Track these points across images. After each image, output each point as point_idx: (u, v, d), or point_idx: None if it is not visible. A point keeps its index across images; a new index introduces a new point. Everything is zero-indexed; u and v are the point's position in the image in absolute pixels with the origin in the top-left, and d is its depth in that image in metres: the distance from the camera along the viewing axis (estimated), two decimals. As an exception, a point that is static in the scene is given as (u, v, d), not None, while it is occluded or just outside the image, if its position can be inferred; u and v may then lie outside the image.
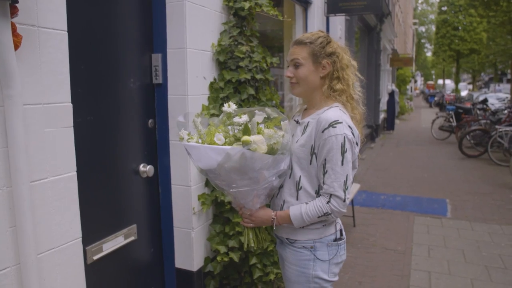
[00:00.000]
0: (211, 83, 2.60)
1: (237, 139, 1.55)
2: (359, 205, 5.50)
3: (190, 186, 2.45)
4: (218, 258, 2.52)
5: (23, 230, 1.34)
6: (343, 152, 1.49)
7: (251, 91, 2.62)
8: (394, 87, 15.79)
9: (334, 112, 1.54)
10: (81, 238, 1.63)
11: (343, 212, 1.54)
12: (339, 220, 1.69)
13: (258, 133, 1.60)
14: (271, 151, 1.52)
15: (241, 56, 2.60)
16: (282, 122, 1.62)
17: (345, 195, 1.51)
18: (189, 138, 1.64)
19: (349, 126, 1.52)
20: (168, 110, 2.44)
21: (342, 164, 1.50)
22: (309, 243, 1.61)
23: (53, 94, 1.47)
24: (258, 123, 1.63)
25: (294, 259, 1.66)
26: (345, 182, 1.51)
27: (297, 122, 1.71)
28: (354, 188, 4.67)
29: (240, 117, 1.57)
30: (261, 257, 2.63)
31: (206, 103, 2.57)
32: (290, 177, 1.66)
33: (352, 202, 4.71)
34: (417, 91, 45.99)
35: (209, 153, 1.52)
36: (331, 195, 1.52)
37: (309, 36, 1.64)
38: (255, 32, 2.77)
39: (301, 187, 1.61)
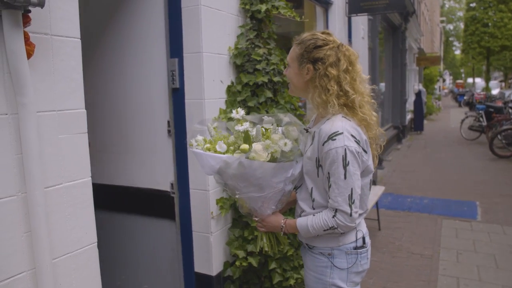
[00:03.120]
0: (229, 87, 2.59)
1: (238, 147, 1.54)
2: (384, 208, 5.37)
3: (208, 190, 2.45)
4: (237, 263, 2.49)
5: (38, 235, 1.36)
6: (345, 165, 1.42)
7: (269, 94, 2.59)
8: (421, 86, 15.43)
9: (334, 122, 1.46)
10: (96, 243, 1.64)
11: (351, 226, 1.48)
12: (362, 227, 1.61)
13: (267, 140, 1.57)
14: (273, 159, 1.49)
15: (258, 58, 2.58)
16: (289, 128, 1.59)
17: (351, 210, 1.45)
18: (197, 145, 1.64)
19: (352, 135, 1.44)
20: (186, 115, 2.44)
21: (345, 177, 1.43)
22: (326, 250, 1.56)
23: (67, 101, 1.48)
24: (266, 129, 1.60)
25: (312, 265, 1.62)
26: (350, 196, 1.44)
27: (307, 130, 1.66)
28: (378, 191, 4.56)
29: (241, 125, 1.55)
30: (281, 261, 2.59)
31: (224, 107, 2.56)
32: (304, 188, 1.62)
33: (376, 204, 4.59)
34: (446, 90, 44.79)
35: (209, 161, 1.52)
36: (336, 209, 1.46)
37: (303, 37, 1.57)
38: (272, 34, 2.75)
39: (314, 199, 1.58)
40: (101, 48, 2.70)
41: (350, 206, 1.44)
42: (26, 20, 1.29)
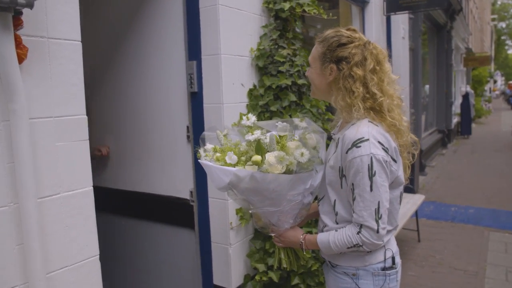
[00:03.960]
0: (250, 90, 2.46)
1: (248, 158, 1.39)
2: (426, 218, 5.04)
3: (227, 199, 2.32)
4: (257, 277, 2.35)
5: (30, 248, 1.29)
6: (371, 176, 1.27)
7: (293, 98, 2.44)
8: (468, 88, 14.60)
9: (360, 127, 1.31)
10: (98, 256, 1.55)
11: (377, 244, 1.32)
12: (391, 246, 1.45)
13: (282, 149, 1.42)
14: (289, 171, 1.34)
15: (282, 60, 2.43)
16: (307, 135, 1.43)
17: (378, 225, 1.29)
18: (205, 155, 1.51)
19: (379, 142, 1.29)
20: (204, 120, 2.34)
21: (371, 189, 1.28)
22: (351, 269, 1.41)
23: (65, 107, 1.41)
24: (281, 136, 1.44)
25: (334, 285, 1.47)
26: (377, 210, 1.29)
27: (331, 137, 1.51)
28: (418, 200, 4.26)
29: (252, 134, 1.40)
30: (305, 277, 2.42)
31: (245, 111, 2.44)
32: (326, 200, 1.47)
33: (416, 214, 4.29)
34: (497, 92, 42.39)
35: (218, 174, 1.39)
36: (361, 225, 1.31)
37: (326, 34, 1.43)
38: (298, 34, 2.59)
39: (337, 212, 1.42)
40: (124, 50, 2.66)
41: (377, 221, 1.29)
42: (18, 23, 1.23)
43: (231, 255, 2.35)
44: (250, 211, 1.53)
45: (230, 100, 2.30)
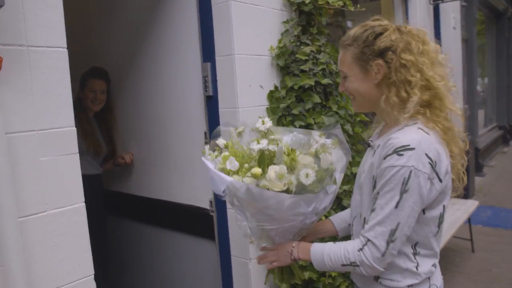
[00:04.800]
0: (271, 92, 2.28)
1: (247, 168, 1.23)
2: (481, 225, 4.59)
3: (246, 210, 2.17)
4: (279, 295, 2.17)
5: (11, 271, 1.20)
6: (402, 192, 1.09)
7: (317, 99, 2.23)
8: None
9: (407, 133, 1.14)
10: (92, 276, 1.45)
11: (377, 269, 1.13)
12: (436, 280, 1.24)
13: (291, 163, 1.23)
14: (289, 190, 1.18)
15: (304, 58, 2.23)
16: (321, 155, 1.24)
17: (386, 248, 1.10)
18: (209, 154, 1.37)
19: (426, 155, 1.10)
20: (220, 125, 2.19)
21: (397, 206, 1.09)
22: None
23: (50, 119, 1.31)
24: (293, 150, 1.27)
25: None
26: (393, 232, 1.10)
27: (369, 145, 1.31)
28: (470, 207, 3.86)
29: (258, 143, 1.25)
30: (333, 296, 2.21)
31: (265, 115, 2.26)
32: (359, 219, 1.28)
33: (469, 220, 3.89)
34: None
35: (215, 180, 1.28)
36: (368, 240, 1.13)
37: (352, 33, 1.26)
38: (323, 29, 2.37)
39: None
40: (144, 52, 2.58)
41: (388, 243, 1.10)
42: (-12, 30, 1.15)
43: (251, 270, 2.19)
44: (242, 223, 1.37)
45: (247, 104, 2.14)
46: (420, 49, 1.19)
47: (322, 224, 1.53)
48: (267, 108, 2.26)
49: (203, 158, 1.37)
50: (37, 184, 1.30)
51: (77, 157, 1.39)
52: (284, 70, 2.32)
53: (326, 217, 1.61)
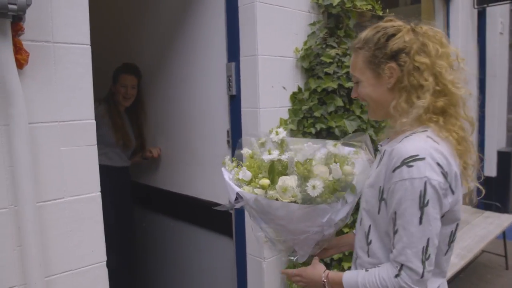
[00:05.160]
0: (294, 94, 2.29)
1: (258, 178, 1.25)
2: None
3: (262, 210, 2.19)
4: (292, 296, 2.18)
5: (28, 251, 1.29)
6: (422, 206, 1.02)
7: (339, 103, 2.21)
8: None
9: (415, 142, 1.07)
10: (105, 262, 1.53)
11: None
12: None
13: (305, 173, 1.22)
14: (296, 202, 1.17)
15: (329, 61, 2.22)
16: (332, 165, 1.22)
17: (424, 268, 1.03)
18: (228, 165, 1.41)
19: (438, 164, 1.03)
20: (242, 125, 2.23)
21: (421, 222, 1.02)
22: None
23: (71, 111, 1.40)
24: (309, 159, 1.26)
25: None
26: (425, 249, 1.02)
27: (377, 149, 1.27)
28: (506, 221, 3.66)
29: (270, 153, 1.25)
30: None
31: (287, 117, 2.27)
32: (360, 225, 1.24)
33: (504, 235, 3.70)
34: None
35: (229, 191, 1.28)
36: (402, 265, 1.04)
37: (363, 36, 1.20)
38: (351, 32, 2.35)
39: (370, 241, 1.18)
40: (173, 51, 2.66)
41: (423, 263, 1.03)
42: (17, 28, 1.23)
43: (265, 269, 2.20)
44: (258, 233, 1.39)
45: (268, 104, 2.16)
46: (439, 51, 1.12)
47: (345, 238, 1.49)
48: (289, 109, 2.27)
49: (222, 169, 1.38)
50: (56, 172, 1.39)
51: (95, 148, 1.47)
52: (308, 72, 2.32)
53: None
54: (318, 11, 2.36)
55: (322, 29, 2.28)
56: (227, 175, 1.35)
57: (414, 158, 1.02)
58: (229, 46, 2.23)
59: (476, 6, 4.37)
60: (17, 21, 1.22)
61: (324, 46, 2.27)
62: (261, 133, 1.70)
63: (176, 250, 2.85)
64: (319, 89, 2.23)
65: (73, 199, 1.43)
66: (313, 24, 2.31)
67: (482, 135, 4.84)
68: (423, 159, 1.02)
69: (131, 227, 3.03)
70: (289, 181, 1.19)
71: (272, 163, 1.24)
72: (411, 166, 1.02)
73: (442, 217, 1.07)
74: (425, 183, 1.01)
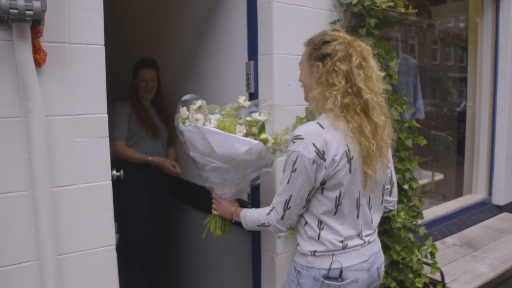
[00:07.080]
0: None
1: (251, 134, 1.65)
2: None
3: (276, 206, 2.23)
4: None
5: (41, 230, 1.45)
6: (292, 171, 1.41)
7: (357, 101, 2.19)
8: None
9: (305, 126, 1.42)
10: (114, 246, 1.66)
11: (280, 229, 1.50)
12: (342, 260, 1.46)
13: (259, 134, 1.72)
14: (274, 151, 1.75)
15: (347, 60, 2.21)
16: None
17: (283, 214, 1.46)
18: (205, 121, 1.72)
19: (313, 144, 1.36)
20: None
21: (288, 182, 1.42)
22: (298, 266, 1.53)
23: (85, 106, 1.53)
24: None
25: (289, 271, 1.62)
26: (287, 201, 1.44)
27: None
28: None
29: (260, 115, 1.70)
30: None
31: (304, 115, 2.29)
32: None
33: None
34: None
35: (233, 143, 1.59)
36: (273, 207, 1.50)
37: (312, 36, 1.54)
38: (373, 30, 2.32)
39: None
40: (200, 51, 2.78)
41: (284, 210, 1.46)
42: (36, 31, 1.38)
43: (277, 265, 2.25)
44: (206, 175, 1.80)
45: (285, 102, 2.19)
46: (359, 63, 1.39)
47: None
48: (306, 108, 2.29)
49: (199, 125, 1.70)
50: (70, 160, 1.53)
51: (107, 140, 1.60)
52: (328, 71, 2.31)
53: None
54: (340, 9, 2.35)
55: (343, 28, 2.27)
56: (220, 131, 1.65)
57: (298, 137, 1.39)
58: (249, 45, 2.29)
59: (531, 2, 4.06)
60: (36, 25, 1.37)
61: (344, 45, 2.25)
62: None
63: (198, 241, 2.97)
64: (337, 88, 2.22)
65: (85, 186, 1.57)
66: (333, 23, 2.31)
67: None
68: (302, 139, 1.38)
69: (165, 218, 3.19)
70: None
71: (263, 123, 1.75)
72: (294, 142, 1.40)
73: (324, 184, 1.41)
74: (297, 156, 1.38)
